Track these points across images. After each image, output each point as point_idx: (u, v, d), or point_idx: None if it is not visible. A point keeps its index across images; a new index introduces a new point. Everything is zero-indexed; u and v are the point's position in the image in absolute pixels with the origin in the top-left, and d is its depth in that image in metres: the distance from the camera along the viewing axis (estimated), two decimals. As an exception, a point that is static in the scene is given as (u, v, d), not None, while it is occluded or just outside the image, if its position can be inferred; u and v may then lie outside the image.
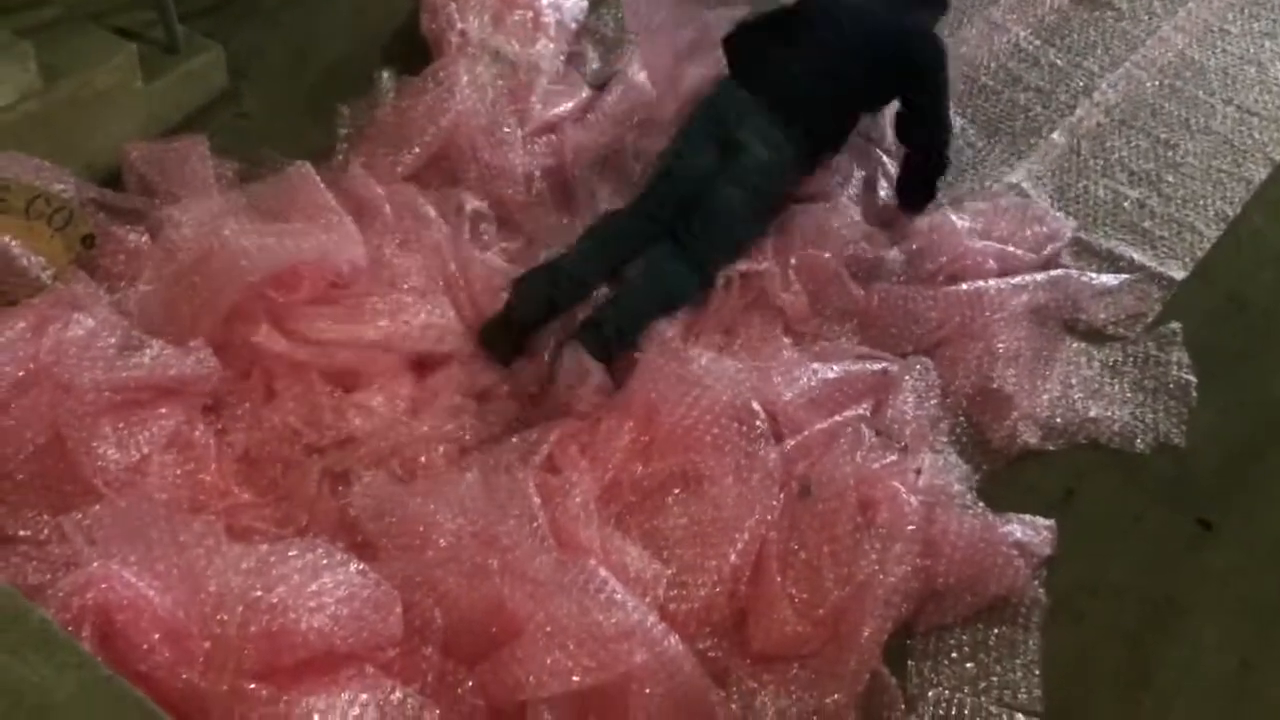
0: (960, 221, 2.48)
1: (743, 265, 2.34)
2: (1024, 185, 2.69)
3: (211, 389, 1.96)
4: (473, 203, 2.44)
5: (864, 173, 2.63)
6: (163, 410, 1.88)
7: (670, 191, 2.34)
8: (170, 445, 1.87)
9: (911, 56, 2.47)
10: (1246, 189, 2.67)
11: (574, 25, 3.01)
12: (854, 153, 2.63)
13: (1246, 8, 3.13)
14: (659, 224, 2.31)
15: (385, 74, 2.69)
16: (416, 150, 2.52)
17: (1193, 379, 2.29)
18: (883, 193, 2.60)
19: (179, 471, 1.85)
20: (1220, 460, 2.19)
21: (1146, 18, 3.09)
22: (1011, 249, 2.45)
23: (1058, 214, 2.57)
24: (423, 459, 1.95)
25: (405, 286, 2.21)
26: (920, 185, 2.54)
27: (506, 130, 2.57)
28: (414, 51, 2.81)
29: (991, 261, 2.40)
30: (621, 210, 2.39)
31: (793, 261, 2.35)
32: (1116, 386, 2.29)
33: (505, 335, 2.17)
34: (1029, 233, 2.50)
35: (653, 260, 2.28)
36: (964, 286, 2.34)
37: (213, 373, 1.94)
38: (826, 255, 2.36)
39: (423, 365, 2.14)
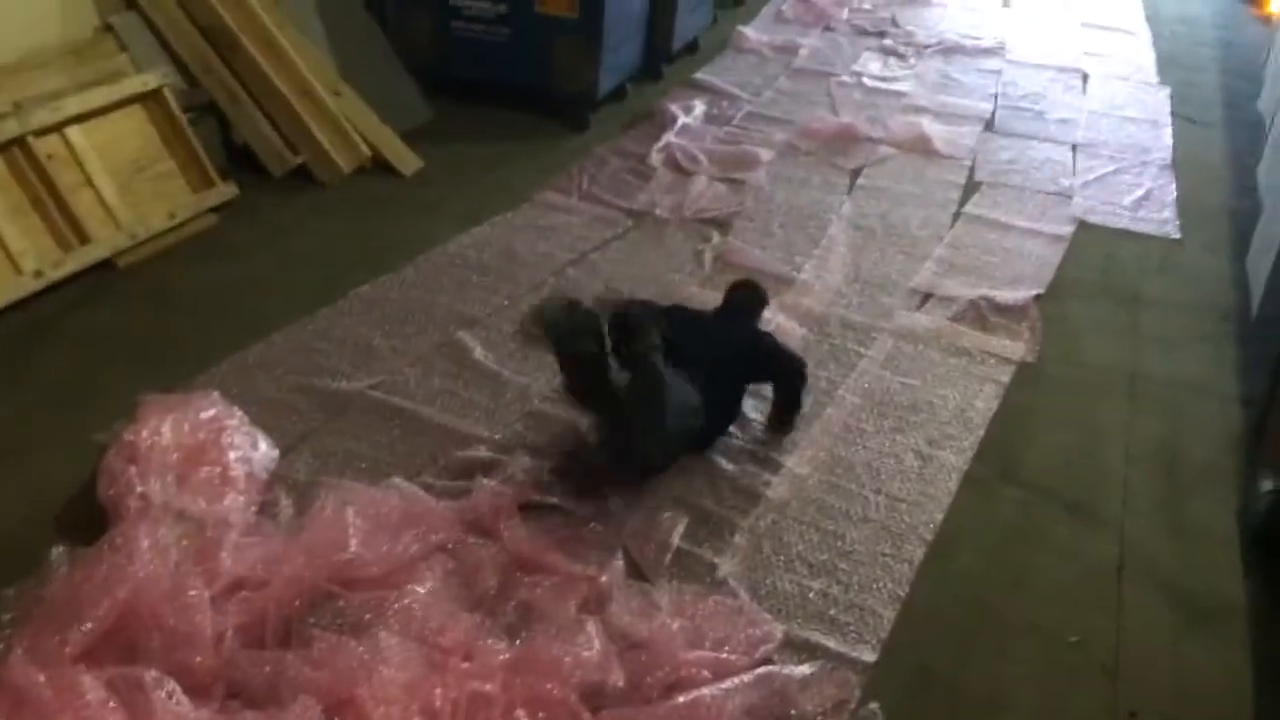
0: (676, 626, 2.57)
1: (472, 684, 2.29)
2: (731, 582, 2.84)
3: None
4: (153, 674, 2.26)
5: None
6: None
7: None
8: None
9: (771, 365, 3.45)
10: (910, 568, 2.95)
11: (265, 475, 3.00)
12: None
13: (875, 408, 3.62)
14: None
15: (57, 549, 2.53)
16: (89, 626, 2.33)
17: (901, 758, 2.40)
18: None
19: None
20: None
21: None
22: (725, 655, 2.53)
23: (766, 615, 2.71)
24: None
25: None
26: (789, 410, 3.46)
27: (193, 593, 2.44)
28: (91, 521, 2.68)
29: (706, 671, 2.47)
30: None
31: (520, 691, 2.31)
32: (835, 779, 2.35)
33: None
34: (742, 636, 2.60)
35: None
36: (681, 699, 2.37)
37: None
38: (553, 687, 2.33)
39: None
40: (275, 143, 4.74)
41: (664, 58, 6.38)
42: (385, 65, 5.48)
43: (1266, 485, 3.06)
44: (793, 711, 2.47)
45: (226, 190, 4.51)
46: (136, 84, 4.26)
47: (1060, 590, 2.94)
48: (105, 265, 4.05)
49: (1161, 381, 3.87)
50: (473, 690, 2.27)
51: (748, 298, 3.68)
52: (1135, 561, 3.05)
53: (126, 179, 4.21)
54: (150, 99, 4.31)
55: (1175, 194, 5.30)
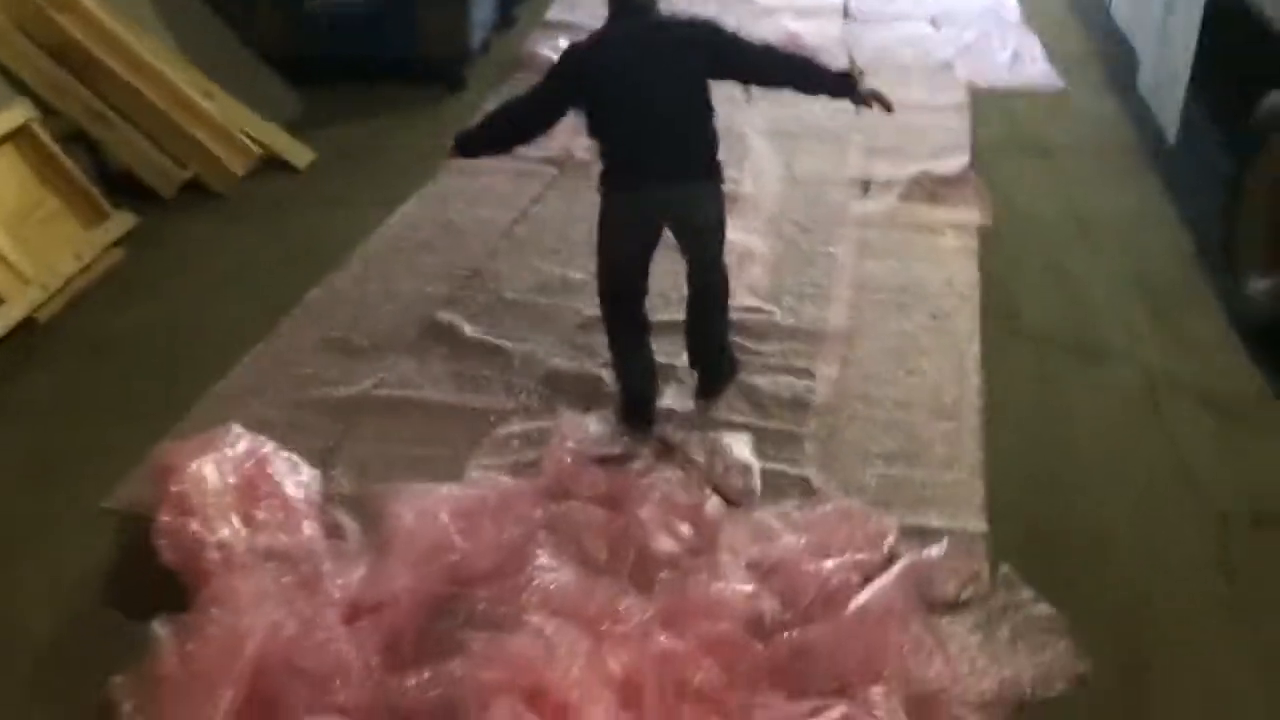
0: (801, 543, 2.55)
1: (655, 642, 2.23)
2: (823, 488, 2.85)
3: None
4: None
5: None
6: None
7: (632, 293, 3.02)
8: None
9: (704, 47, 2.94)
10: (974, 436, 3.02)
11: (317, 498, 2.80)
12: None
13: (869, 295, 3.67)
14: (642, 304, 3.05)
15: (157, 623, 2.28)
16: (229, 695, 2.12)
17: (1049, 608, 2.45)
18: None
19: None
20: (1119, 673, 2.33)
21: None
22: (860, 556, 2.54)
23: (876, 510, 2.72)
24: None
25: None
26: (829, 84, 3.12)
27: (322, 630, 2.26)
28: (150, 588, 2.46)
29: (854, 575, 2.47)
30: (619, 325, 3.06)
31: (698, 638, 2.25)
32: (1002, 645, 2.38)
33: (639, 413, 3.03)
34: (861, 535, 2.61)
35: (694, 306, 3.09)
36: (850, 609, 2.36)
37: None
38: (725, 626, 2.28)
39: None
40: (157, 159, 4.35)
41: (514, 1, 6.19)
42: (240, 59, 5.09)
43: (1261, 284, 3.25)
44: (939, 594, 2.51)
45: (123, 220, 4.11)
46: (1, 123, 3.81)
47: (1107, 423, 3.08)
48: (24, 326, 3.63)
49: (1107, 220, 4.08)
50: (661, 649, 2.19)
51: None
52: (1161, 383, 3.22)
53: (16, 228, 3.78)
54: (19, 137, 3.87)
55: (1040, 48, 5.54)
